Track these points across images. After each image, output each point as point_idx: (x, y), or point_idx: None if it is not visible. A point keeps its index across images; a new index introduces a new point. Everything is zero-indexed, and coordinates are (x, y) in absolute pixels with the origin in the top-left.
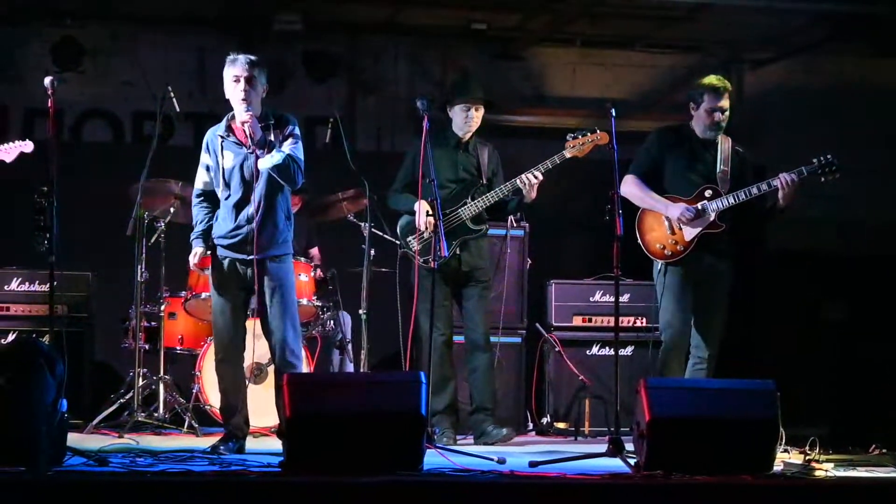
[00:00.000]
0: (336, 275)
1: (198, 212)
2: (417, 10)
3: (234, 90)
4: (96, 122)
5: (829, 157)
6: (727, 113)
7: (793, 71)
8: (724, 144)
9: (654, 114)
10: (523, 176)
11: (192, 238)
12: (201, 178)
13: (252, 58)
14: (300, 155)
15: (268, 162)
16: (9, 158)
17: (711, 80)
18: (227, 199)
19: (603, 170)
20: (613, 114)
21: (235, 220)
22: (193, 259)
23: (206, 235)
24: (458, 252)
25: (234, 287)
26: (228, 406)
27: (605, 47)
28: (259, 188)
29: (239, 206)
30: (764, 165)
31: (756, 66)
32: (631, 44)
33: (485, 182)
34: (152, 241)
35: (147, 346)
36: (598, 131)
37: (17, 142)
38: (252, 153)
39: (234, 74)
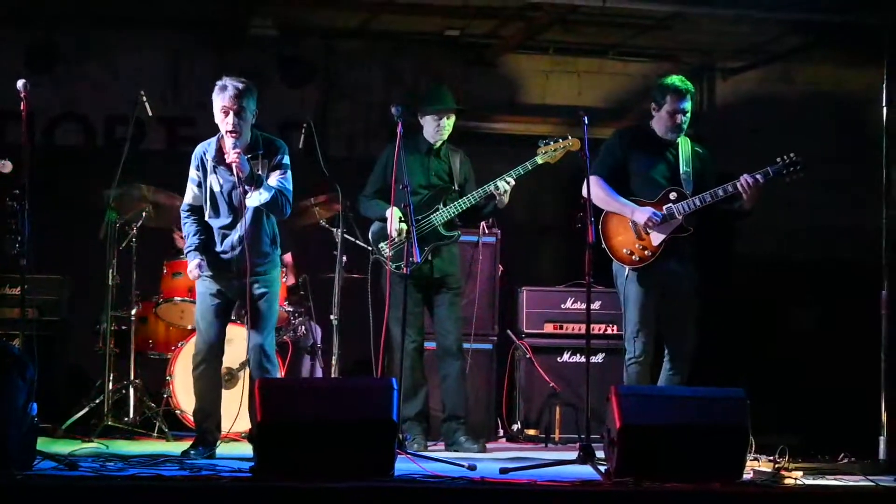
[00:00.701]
0: (307, 280)
1: (189, 226)
2: (391, 17)
3: (222, 121)
4: (69, 126)
5: (792, 156)
6: (689, 115)
7: (766, 79)
8: (685, 145)
9: (627, 122)
10: (495, 182)
11: (186, 251)
12: (190, 194)
13: (240, 86)
14: (289, 186)
15: (256, 200)
16: None
17: (674, 81)
18: (213, 220)
19: (575, 177)
20: (586, 121)
21: (221, 245)
22: (195, 271)
23: (201, 246)
24: (429, 258)
25: (219, 293)
26: (202, 410)
27: (578, 55)
28: (246, 217)
29: (225, 232)
30: (733, 172)
31: (729, 75)
32: (604, 52)
33: (456, 188)
34: (124, 245)
35: (118, 351)
36: (569, 138)
37: None
38: (240, 182)
39: (222, 105)
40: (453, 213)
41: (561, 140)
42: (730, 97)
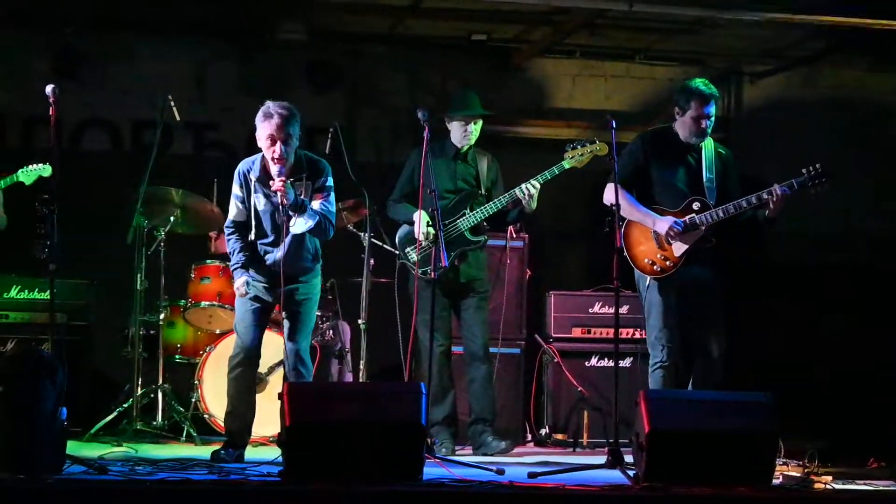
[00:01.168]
0: (336, 284)
1: (233, 243)
2: (417, 22)
3: (268, 148)
4: (95, 131)
5: (817, 167)
6: (713, 119)
7: (791, 83)
8: (708, 147)
9: (654, 125)
10: (522, 186)
11: (232, 268)
12: (234, 210)
13: (285, 113)
14: (332, 209)
15: (301, 227)
16: (28, 181)
17: (699, 84)
18: (257, 238)
19: (602, 182)
20: (614, 125)
21: (265, 264)
22: (242, 288)
23: (246, 264)
24: (456, 263)
25: (257, 298)
26: (235, 412)
27: (604, 59)
28: (285, 241)
29: (267, 248)
30: (758, 175)
31: (755, 79)
32: (630, 56)
33: (483, 192)
34: (152, 249)
35: (146, 355)
36: (597, 142)
37: (37, 165)
38: (284, 210)
39: (268, 134)
40: (480, 217)
41: (588, 144)
42: (756, 101)
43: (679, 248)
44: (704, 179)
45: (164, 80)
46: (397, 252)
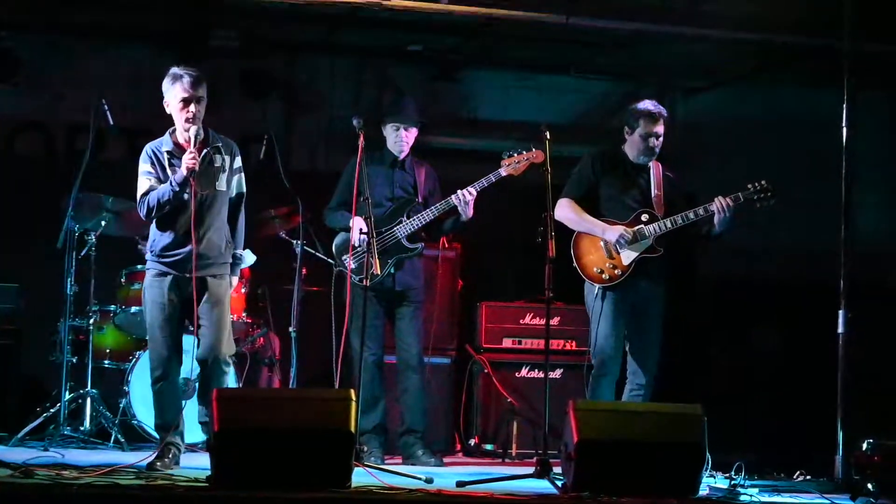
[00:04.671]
0: (267, 292)
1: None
2: (354, 31)
3: (180, 110)
4: (29, 135)
5: (763, 183)
6: (661, 139)
7: (726, 100)
8: (656, 169)
9: (587, 139)
10: (458, 192)
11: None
12: (146, 184)
13: (195, 73)
14: (244, 189)
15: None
16: None
17: (647, 105)
18: (170, 216)
19: (535, 192)
20: (548, 136)
21: (179, 238)
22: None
23: None
24: (391, 271)
25: (173, 302)
26: (166, 424)
27: (539, 71)
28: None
29: (181, 226)
30: (695, 193)
31: (689, 95)
32: (565, 69)
33: (420, 201)
34: (82, 254)
35: (75, 360)
36: (533, 150)
37: None
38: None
39: (180, 96)
40: (417, 224)
41: (524, 152)
42: (690, 117)
43: (628, 257)
44: (653, 196)
45: (99, 85)
46: (333, 260)
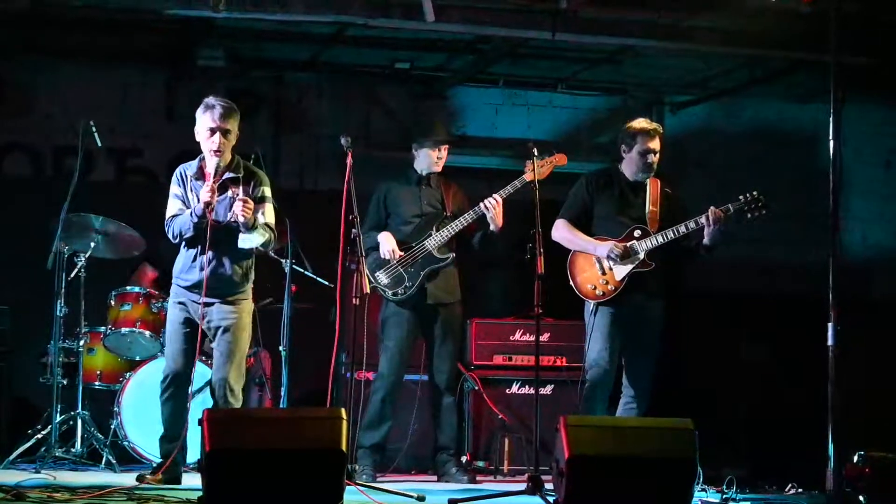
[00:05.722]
0: (256, 311)
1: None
2: (341, 50)
3: (206, 139)
4: (16, 156)
5: (755, 193)
6: (658, 154)
7: (713, 114)
8: (653, 186)
9: (576, 155)
10: (485, 200)
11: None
12: (174, 207)
13: (227, 105)
14: (273, 220)
15: (248, 244)
16: None
17: (642, 123)
18: (187, 241)
19: (525, 209)
20: (535, 153)
21: (192, 264)
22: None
23: None
24: (424, 284)
25: (187, 321)
26: (170, 437)
27: (527, 88)
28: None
29: (193, 252)
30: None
31: (677, 109)
32: (553, 85)
33: (449, 215)
34: (72, 275)
35: (65, 382)
36: (555, 153)
37: None
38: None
39: (209, 124)
40: (446, 235)
41: (548, 156)
42: (678, 131)
43: (620, 272)
44: (647, 211)
45: (87, 106)
46: (369, 279)
